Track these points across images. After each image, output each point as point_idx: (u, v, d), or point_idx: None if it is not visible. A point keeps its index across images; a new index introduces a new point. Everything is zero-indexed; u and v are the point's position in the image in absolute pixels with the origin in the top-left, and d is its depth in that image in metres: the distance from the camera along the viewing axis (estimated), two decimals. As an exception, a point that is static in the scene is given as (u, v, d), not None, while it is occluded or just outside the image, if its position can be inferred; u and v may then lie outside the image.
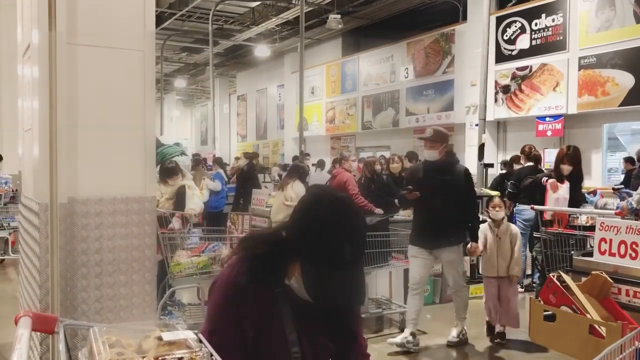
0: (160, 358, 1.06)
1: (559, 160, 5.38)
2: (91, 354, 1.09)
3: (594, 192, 6.20)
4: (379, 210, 6.46)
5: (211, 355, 1.14)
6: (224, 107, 25.03)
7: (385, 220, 6.07)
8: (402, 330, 5.19)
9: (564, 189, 5.32)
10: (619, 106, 9.87)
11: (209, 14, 15.51)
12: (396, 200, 6.83)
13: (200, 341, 1.17)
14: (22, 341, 1.07)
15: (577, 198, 5.32)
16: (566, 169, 5.33)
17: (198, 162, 10.33)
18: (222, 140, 24.09)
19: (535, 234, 5.45)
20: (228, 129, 25.11)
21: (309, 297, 1.37)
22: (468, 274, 6.50)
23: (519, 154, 7.38)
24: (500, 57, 11.89)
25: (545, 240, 4.33)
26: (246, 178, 10.08)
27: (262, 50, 18.25)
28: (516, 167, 7.69)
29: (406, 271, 5.72)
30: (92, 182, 2.61)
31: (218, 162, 11.04)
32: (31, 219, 2.70)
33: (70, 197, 2.55)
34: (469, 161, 10.96)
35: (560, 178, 5.35)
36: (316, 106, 18.56)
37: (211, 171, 10.16)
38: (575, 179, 5.43)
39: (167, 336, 1.16)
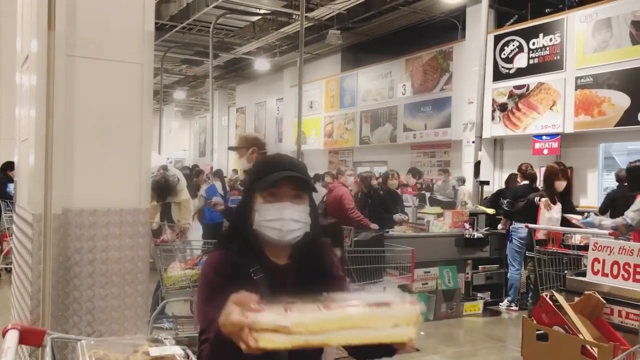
0: (146, 373, 1.06)
1: (554, 177, 5.41)
2: (78, 368, 1.09)
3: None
4: (374, 226, 6.46)
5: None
6: (223, 119, 25.09)
7: (381, 236, 6.07)
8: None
9: (556, 209, 5.35)
10: (614, 126, 9.92)
11: (209, 27, 15.58)
12: (394, 217, 6.84)
13: (188, 357, 1.17)
14: (8, 355, 1.07)
15: (571, 211, 5.36)
16: (561, 184, 5.38)
17: (199, 173, 10.38)
18: (220, 152, 24.11)
19: (528, 254, 5.47)
20: (226, 141, 25.15)
21: (269, 220, 1.52)
22: (463, 290, 6.49)
23: (515, 171, 7.41)
24: (498, 75, 11.96)
25: (539, 259, 4.34)
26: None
27: (261, 64, 18.34)
28: (513, 185, 7.71)
29: (401, 287, 5.72)
30: (87, 193, 2.61)
31: (218, 174, 11.02)
32: (25, 229, 2.70)
33: (64, 208, 2.55)
34: (467, 177, 11.00)
35: (552, 196, 5.38)
36: (314, 120, 18.62)
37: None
38: (567, 194, 5.48)
39: (154, 351, 1.16)
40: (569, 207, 5.56)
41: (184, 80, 25.28)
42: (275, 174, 1.56)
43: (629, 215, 4.13)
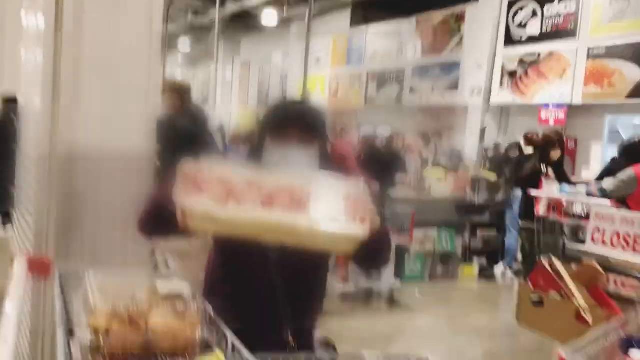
0: (154, 308, 1.07)
1: (550, 146, 5.39)
2: (85, 299, 1.10)
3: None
4: (375, 186, 6.46)
5: (205, 310, 1.15)
6: (227, 72, 24.80)
7: (383, 197, 6.08)
8: (390, 305, 5.26)
9: (555, 187, 5.32)
10: (624, 98, 9.82)
11: (217, -25, 15.24)
12: (396, 178, 6.85)
13: (195, 294, 1.18)
14: (17, 283, 1.08)
15: (567, 182, 5.37)
16: (557, 154, 5.37)
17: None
18: (223, 105, 23.94)
19: (523, 224, 5.49)
20: (229, 94, 24.92)
21: (276, 164, 1.49)
22: (459, 254, 6.55)
23: (517, 141, 7.38)
24: (509, 41, 11.76)
25: (539, 227, 4.37)
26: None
27: (269, 17, 17.98)
28: (512, 154, 7.68)
29: (397, 247, 5.77)
30: (93, 134, 2.59)
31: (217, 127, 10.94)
32: (29, 166, 2.69)
33: (70, 149, 2.53)
34: (469, 144, 10.95)
35: (547, 165, 5.37)
36: (320, 78, 18.41)
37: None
38: (560, 165, 5.48)
39: (161, 286, 1.17)
40: (562, 177, 5.54)
41: (189, 30, 24.85)
42: (283, 116, 1.58)
43: (608, 181, 4.21)
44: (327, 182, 1.26)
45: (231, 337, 1.09)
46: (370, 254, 1.45)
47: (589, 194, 4.41)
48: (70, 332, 1.12)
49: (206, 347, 1.11)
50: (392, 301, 5.36)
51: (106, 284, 1.17)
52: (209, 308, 1.17)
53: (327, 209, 1.19)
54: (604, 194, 4.24)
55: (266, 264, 1.62)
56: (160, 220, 1.36)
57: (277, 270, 1.62)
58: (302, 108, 1.64)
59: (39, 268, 1.23)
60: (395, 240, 5.30)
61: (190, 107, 4.43)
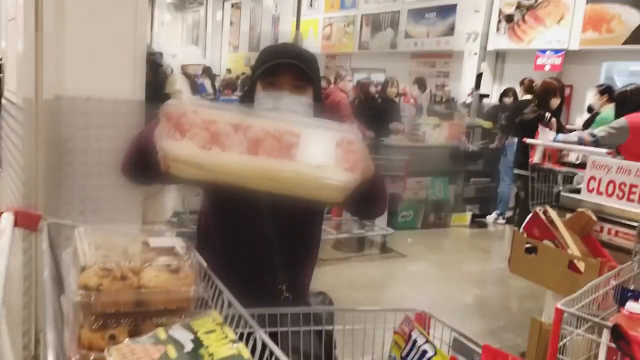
0: (147, 263, 1.03)
1: (550, 93, 5.31)
2: (75, 255, 1.05)
3: None
4: (369, 134, 6.41)
5: (200, 264, 1.12)
6: (217, 14, 24.15)
7: (376, 144, 6.04)
8: (382, 252, 5.30)
9: (552, 134, 5.27)
10: (622, 44, 9.68)
11: None
12: (390, 125, 6.78)
13: (190, 249, 1.14)
14: (3, 236, 1.03)
15: (562, 131, 5.33)
16: (556, 102, 5.31)
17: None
18: (213, 50, 23.44)
19: (517, 171, 5.47)
20: (220, 38, 24.36)
21: (266, 110, 1.44)
22: (452, 201, 6.57)
23: (510, 86, 7.28)
24: (507, -16, 11.48)
25: (534, 175, 4.34)
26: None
27: (260, -44, 17.39)
28: (507, 100, 7.60)
29: (390, 195, 5.76)
30: (79, 80, 2.49)
31: (206, 71, 10.72)
32: (14, 114, 2.61)
33: (56, 93, 2.44)
34: (465, 90, 10.82)
35: (546, 113, 5.32)
36: (313, 21, 17.98)
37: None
38: (559, 112, 5.44)
39: (154, 242, 1.13)
40: (558, 126, 5.50)
41: (178, -30, 24.07)
42: (274, 61, 1.50)
43: (600, 128, 4.21)
44: (317, 127, 1.21)
45: (227, 294, 1.06)
46: (365, 202, 1.42)
47: (580, 142, 4.40)
48: (60, 289, 1.09)
49: (201, 303, 1.08)
50: (384, 248, 5.40)
51: (97, 239, 1.12)
52: (204, 263, 1.14)
53: (317, 155, 1.14)
54: (595, 140, 4.23)
55: (259, 214, 1.59)
56: (142, 163, 1.31)
57: (270, 220, 1.60)
58: (294, 53, 1.55)
59: (26, 221, 1.18)
60: (388, 189, 5.29)
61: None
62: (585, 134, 4.38)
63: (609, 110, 5.55)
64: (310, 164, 1.12)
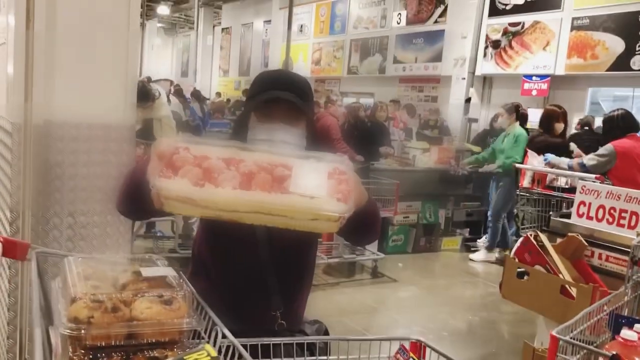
0: (139, 295, 1.01)
1: (554, 119, 5.42)
2: (65, 285, 1.03)
3: None
4: (359, 157, 6.42)
5: (193, 294, 1.10)
6: (208, 38, 24.30)
7: (366, 168, 6.04)
8: (373, 277, 5.27)
9: (539, 160, 5.32)
10: (606, 71, 9.84)
11: (197, -61, 14.80)
12: (380, 149, 6.80)
13: (181, 279, 1.12)
14: (-9, 267, 1.01)
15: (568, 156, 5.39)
16: (560, 127, 5.40)
17: (179, 92, 10.10)
18: (203, 73, 23.53)
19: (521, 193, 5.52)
20: (210, 62, 24.48)
21: (260, 137, 1.48)
22: (442, 226, 6.57)
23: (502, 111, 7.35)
24: (494, 11, 11.67)
25: (523, 199, 4.37)
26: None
27: (250, -17, 17.58)
28: (497, 124, 7.66)
29: (383, 219, 5.76)
30: (69, 105, 2.48)
31: (195, 95, 10.74)
32: (3, 138, 2.58)
33: (45, 119, 2.42)
34: (454, 115, 10.92)
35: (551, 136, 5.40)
36: (303, 46, 18.15)
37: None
38: (563, 137, 5.53)
39: (146, 272, 1.11)
40: (565, 150, 5.57)
41: (168, -4, 24.23)
42: (268, 92, 1.50)
43: (589, 157, 4.30)
44: (308, 158, 1.22)
45: (220, 325, 1.04)
46: (359, 229, 1.42)
47: (570, 168, 4.48)
48: (49, 319, 1.06)
49: (194, 335, 1.05)
50: (375, 273, 5.37)
51: (87, 269, 1.10)
52: (196, 294, 1.11)
53: (310, 187, 1.14)
54: (584, 169, 4.30)
55: (253, 241, 1.58)
56: (136, 201, 1.30)
57: (265, 246, 1.59)
58: (289, 84, 1.55)
59: (13, 251, 1.15)
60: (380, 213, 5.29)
61: None
62: (574, 163, 4.48)
63: (516, 129, 5.96)
64: (304, 195, 1.12)
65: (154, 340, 0.98)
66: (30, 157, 2.35)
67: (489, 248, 6.25)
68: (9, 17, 2.54)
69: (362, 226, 1.43)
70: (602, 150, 4.36)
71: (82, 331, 0.92)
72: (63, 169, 2.51)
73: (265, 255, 1.59)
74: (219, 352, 0.99)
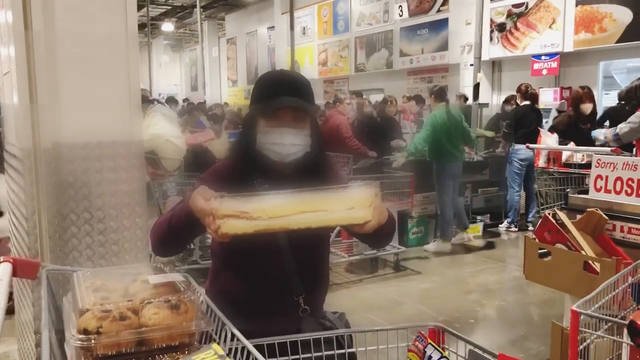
0: (146, 301, 1.01)
1: (579, 100, 5.38)
2: (74, 299, 1.04)
3: None
4: (372, 153, 6.41)
5: (200, 297, 1.10)
6: (213, 50, 24.47)
7: (380, 163, 6.03)
8: (396, 270, 5.25)
9: (553, 139, 5.26)
10: (616, 43, 9.68)
11: (194, -47, 14.92)
12: (391, 142, 6.77)
13: (190, 283, 1.13)
14: (1, 287, 1.02)
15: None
16: (587, 107, 5.35)
17: (191, 107, 10.24)
18: (212, 86, 23.70)
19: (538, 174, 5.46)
20: (218, 73, 24.65)
21: (270, 142, 1.58)
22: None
23: (514, 93, 7.28)
24: (496, -6, 11.58)
25: (540, 178, 4.32)
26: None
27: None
28: (508, 107, 7.61)
29: (400, 213, 5.73)
30: (76, 126, 2.51)
31: (200, 108, 10.87)
32: (15, 165, 2.63)
33: (54, 142, 2.46)
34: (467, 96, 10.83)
35: (579, 120, 5.36)
36: (308, 48, 18.18)
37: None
38: (594, 117, 5.49)
39: (154, 279, 1.12)
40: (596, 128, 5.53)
41: (171, 11, 24.46)
42: (276, 100, 1.58)
43: (621, 125, 4.24)
44: (337, 190, 1.34)
45: (229, 326, 1.04)
46: (377, 237, 1.56)
47: (601, 143, 4.43)
48: (63, 333, 1.08)
49: (205, 337, 1.06)
50: (398, 267, 5.35)
51: (96, 282, 1.11)
52: (206, 297, 1.12)
53: (341, 209, 1.28)
54: (617, 139, 4.26)
55: (276, 246, 1.63)
56: (180, 239, 1.55)
57: (287, 249, 1.64)
58: (292, 86, 1.63)
59: (24, 270, 1.17)
60: (396, 206, 5.26)
61: None
62: (608, 133, 4.45)
63: (439, 109, 5.83)
64: (340, 187, 1.31)
65: (164, 345, 0.99)
66: (42, 181, 2.39)
67: (443, 238, 6.00)
68: (9, 47, 2.59)
69: (381, 234, 1.53)
70: (633, 117, 4.28)
71: (92, 341, 0.94)
72: (76, 190, 2.54)
73: (287, 255, 1.64)
74: (234, 354, 0.99)
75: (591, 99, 5.47)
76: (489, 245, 6.24)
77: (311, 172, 1.64)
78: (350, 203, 1.27)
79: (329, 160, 1.85)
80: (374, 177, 5.12)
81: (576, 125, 5.25)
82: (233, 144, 1.81)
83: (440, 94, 5.93)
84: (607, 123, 6.57)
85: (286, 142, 1.58)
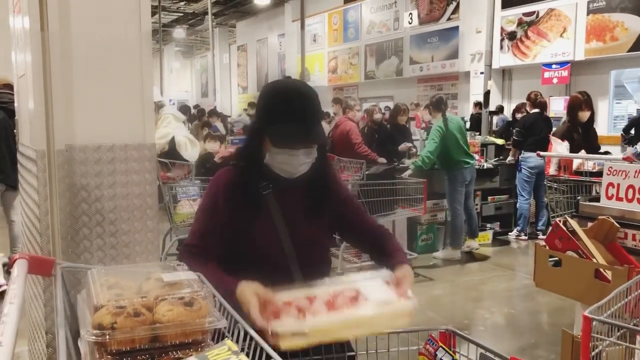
0: (160, 298, 1.02)
1: (577, 107, 5.31)
2: (89, 296, 1.05)
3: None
4: (382, 160, 6.41)
5: (213, 295, 1.11)
6: (224, 57, 24.61)
7: (392, 169, 6.03)
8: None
9: (564, 147, 5.23)
10: (627, 52, 9.65)
11: (206, -39, 15.05)
12: (399, 146, 6.76)
13: (202, 281, 1.13)
14: (17, 282, 1.03)
15: (594, 143, 5.27)
16: (585, 115, 5.30)
17: (202, 113, 10.32)
18: (222, 92, 23.81)
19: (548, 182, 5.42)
20: (229, 80, 24.78)
21: (280, 163, 1.59)
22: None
23: (524, 101, 7.27)
24: (507, 3, 11.57)
25: (550, 187, 4.30)
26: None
27: (262, -2, 17.73)
28: (519, 115, 7.59)
29: (409, 219, 5.72)
30: (90, 129, 2.54)
31: (214, 114, 10.99)
32: (29, 166, 2.66)
33: (67, 144, 2.48)
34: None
35: (576, 127, 5.29)
36: (318, 56, 18.24)
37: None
38: (590, 124, 5.42)
39: (167, 277, 1.12)
40: (592, 137, 5.45)
41: (183, 18, 24.67)
42: (286, 129, 1.56)
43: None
44: (366, 280, 1.47)
45: (242, 323, 1.05)
46: None
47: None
48: (77, 332, 1.09)
49: (218, 335, 1.07)
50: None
51: (110, 279, 1.12)
52: (218, 295, 1.13)
53: (382, 298, 1.42)
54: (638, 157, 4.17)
55: (283, 257, 1.65)
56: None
57: (293, 260, 1.65)
58: (301, 104, 1.59)
59: (39, 267, 1.19)
60: (409, 212, 5.26)
61: None
62: (630, 151, 4.34)
63: (439, 119, 5.76)
64: (379, 304, 1.40)
65: (177, 342, 1.00)
66: (55, 183, 2.41)
67: (453, 245, 5.94)
68: (25, 51, 2.62)
69: None
70: None
71: (107, 337, 0.94)
72: (89, 192, 2.56)
73: (289, 249, 1.65)
74: (248, 354, 1.00)
75: (590, 106, 5.38)
76: (499, 253, 6.21)
77: (316, 179, 1.67)
78: (393, 318, 1.42)
79: (332, 167, 1.87)
80: (388, 183, 5.13)
81: (571, 134, 5.15)
82: (239, 152, 1.77)
83: (437, 105, 5.85)
84: (632, 132, 6.55)
85: (295, 163, 1.59)
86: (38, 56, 2.39)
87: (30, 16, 2.43)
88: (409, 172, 5.66)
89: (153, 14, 18.94)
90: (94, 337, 0.94)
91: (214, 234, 1.64)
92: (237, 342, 1.01)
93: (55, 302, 1.34)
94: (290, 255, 1.63)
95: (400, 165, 6.31)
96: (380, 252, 1.74)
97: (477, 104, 9.29)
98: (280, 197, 1.65)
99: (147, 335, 0.97)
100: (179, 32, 25.52)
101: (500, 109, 10.30)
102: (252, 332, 1.04)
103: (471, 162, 5.81)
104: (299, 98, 1.60)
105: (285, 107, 1.59)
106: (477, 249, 6.11)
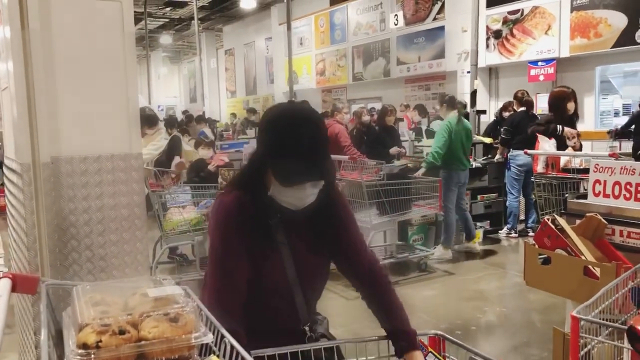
0: (145, 315, 1.02)
1: (566, 99, 5.33)
2: (73, 314, 1.05)
3: None
4: (371, 162, 6.42)
5: (200, 309, 1.10)
6: (212, 62, 24.56)
7: (405, 168, 6.07)
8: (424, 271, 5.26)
9: (550, 144, 5.25)
10: (611, 48, 9.73)
11: (191, -34, 15.01)
12: (390, 150, 6.79)
13: (189, 296, 1.13)
14: (0, 303, 1.02)
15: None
16: (572, 106, 5.33)
17: (190, 118, 10.28)
18: (211, 97, 23.76)
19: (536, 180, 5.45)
20: (217, 84, 24.73)
21: (285, 197, 1.54)
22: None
23: (511, 100, 7.31)
24: (492, 1, 11.63)
25: (539, 184, 4.32)
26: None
27: (247, 2, 17.72)
28: (506, 113, 7.63)
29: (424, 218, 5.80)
30: (75, 140, 2.52)
31: (202, 119, 10.95)
32: (14, 180, 2.63)
33: (53, 156, 2.47)
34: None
35: (562, 120, 5.31)
36: (305, 58, 18.24)
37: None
38: (575, 118, 5.45)
39: (153, 292, 1.12)
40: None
41: (169, 24, 24.58)
42: (294, 165, 1.47)
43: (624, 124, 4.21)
44: None
45: (228, 337, 1.05)
46: None
47: None
48: (61, 350, 1.08)
49: (206, 350, 1.06)
50: (425, 269, 5.37)
51: (95, 296, 1.11)
52: (204, 309, 1.12)
53: None
54: None
55: (286, 282, 1.63)
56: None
57: (298, 294, 1.64)
58: (312, 142, 1.49)
59: (24, 286, 1.18)
60: (425, 210, 5.51)
61: None
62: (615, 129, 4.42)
63: (452, 116, 5.88)
64: None
65: (164, 359, 0.99)
66: (41, 195, 2.39)
67: (445, 245, 5.99)
68: (8, 63, 2.60)
69: None
70: None
71: (92, 356, 0.94)
72: (76, 204, 2.55)
73: (292, 276, 1.63)
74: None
75: (575, 99, 5.45)
76: (490, 252, 6.23)
77: (323, 207, 1.61)
78: None
79: (340, 194, 1.80)
80: (404, 183, 5.21)
81: (555, 128, 5.18)
82: (242, 180, 1.64)
83: (451, 102, 6.00)
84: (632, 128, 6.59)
85: (302, 196, 1.54)
86: (20, 68, 2.37)
87: (11, 27, 2.41)
88: (422, 170, 5.71)
89: (139, 20, 18.86)
90: (78, 357, 0.93)
91: (239, 274, 1.55)
92: (223, 356, 1.01)
93: (40, 320, 1.34)
94: (293, 283, 1.62)
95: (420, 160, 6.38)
96: (384, 314, 1.73)
97: (460, 104, 9.30)
98: (285, 226, 1.61)
99: (133, 353, 0.97)
100: (166, 38, 25.42)
101: (482, 112, 10.35)
102: (238, 347, 1.04)
103: (467, 165, 5.93)
104: (307, 133, 1.49)
105: (293, 142, 1.49)
106: (476, 250, 6.13)
